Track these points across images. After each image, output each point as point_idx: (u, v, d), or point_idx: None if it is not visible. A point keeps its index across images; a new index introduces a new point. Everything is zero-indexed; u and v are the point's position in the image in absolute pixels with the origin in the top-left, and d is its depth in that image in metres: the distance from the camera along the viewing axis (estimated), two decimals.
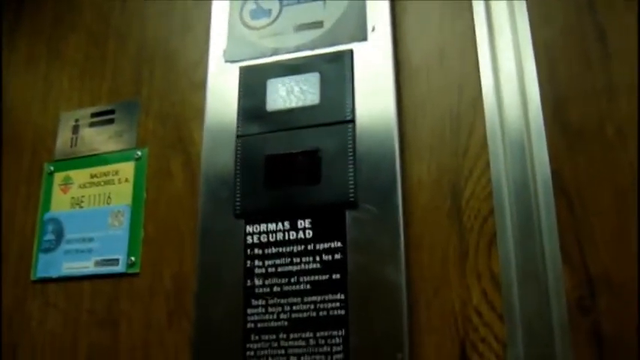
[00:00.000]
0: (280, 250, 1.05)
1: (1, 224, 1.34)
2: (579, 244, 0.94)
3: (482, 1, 1.11)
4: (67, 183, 1.30)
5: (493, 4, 1.10)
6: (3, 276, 1.29)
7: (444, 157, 1.05)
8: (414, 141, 1.08)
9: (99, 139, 1.31)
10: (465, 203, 1.02)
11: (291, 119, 1.11)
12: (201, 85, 1.22)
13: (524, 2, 1.08)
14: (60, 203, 1.29)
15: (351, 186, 1.03)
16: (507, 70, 1.06)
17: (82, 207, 1.27)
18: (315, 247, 1.03)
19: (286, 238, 1.05)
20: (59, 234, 1.26)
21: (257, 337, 1.02)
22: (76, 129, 1.33)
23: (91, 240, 1.23)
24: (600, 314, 0.91)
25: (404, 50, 1.14)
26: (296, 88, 1.12)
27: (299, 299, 1.01)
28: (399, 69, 1.12)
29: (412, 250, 1.02)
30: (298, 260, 1.03)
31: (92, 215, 1.25)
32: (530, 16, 1.07)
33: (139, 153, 1.26)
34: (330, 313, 0.99)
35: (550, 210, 0.96)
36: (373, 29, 1.12)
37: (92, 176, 1.28)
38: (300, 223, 1.05)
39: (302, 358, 0.99)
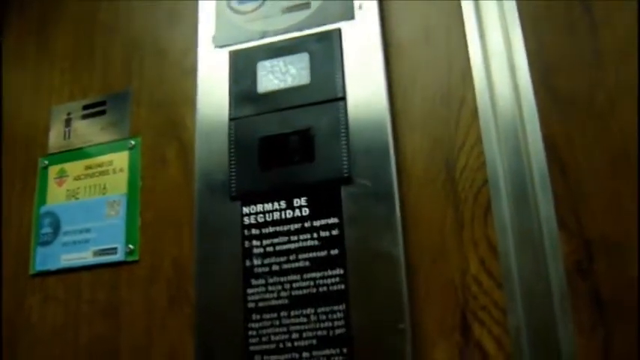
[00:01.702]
0: (277, 229, 1.05)
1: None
2: (574, 208, 0.95)
3: None
4: (61, 176, 1.30)
5: None
6: (2, 272, 1.29)
7: (436, 130, 1.06)
8: (406, 115, 1.09)
9: (92, 130, 1.31)
10: (459, 174, 1.03)
11: (282, 100, 1.11)
12: (191, 72, 1.23)
13: None
14: (56, 196, 1.29)
15: (345, 162, 1.04)
16: (495, 41, 1.06)
17: (77, 199, 1.27)
18: (312, 224, 1.04)
19: (283, 217, 1.05)
20: (56, 227, 1.26)
21: (258, 317, 1.02)
22: (68, 122, 1.34)
23: (88, 231, 1.23)
24: (598, 277, 0.91)
25: (392, 27, 1.14)
26: (286, 69, 1.12)
27: (298, 276, 1.02)
28: (388, 45, 1.13)
29: (409, 222, 1.02)
30: (296, 238, 1.04)
31: (88, 206, 1.25)
32: None
33: (133, 142, 1.26)
34: (330, 288, 1.00)
35: (544, 177, 0.97)
36: (360, 7, 1.13)
37: (87, 168, 1.28)
38: (296, 202, 1.05)
39: (304, 334, 1.00)
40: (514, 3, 1.07)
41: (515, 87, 1.03)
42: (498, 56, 1.05)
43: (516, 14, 1.06)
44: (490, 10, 1.08)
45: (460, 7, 1.11)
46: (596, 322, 0.90)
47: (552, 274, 0.92)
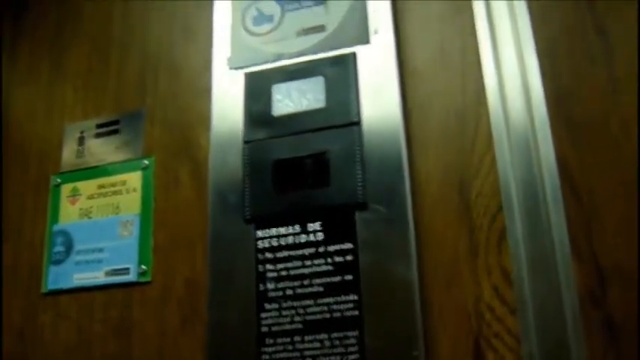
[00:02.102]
0: (292, 253, 1.05)
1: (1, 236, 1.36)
2: (588, 236, 0.95)
3: (482, 0, 1.11)
4: (74, 194, 1.30)
5: (493, 1, 1.11)
6: (14, 289, 1.30)
7: (451, 155, 1.06)
8: (421, 140, 1.09)
9: (105, 149, 1.31)
10: (473, 200, 1.03)
11: (297, 123, 1.11)
12: (205, 93, 1.23)
13: (525, 0, 1.09)
14: (68, 215, 1.30)
15: (360, 187, 1.04)
16: (510, 66, 1.06)
17: (90, 218, 1.27)
18: (326, 249, 1.04)
19: (297, 241, 1.06)
20: (69, 245, 1.27)
21: (272, 341, 1.02)
22: (81, 140, 1.34)
23: (101, 250, 1.24)
24: (611, 305, 0.91)
25: (407, 51, 1.15)
26: (301, 93, 1.12)
27: (312, 301, 1.02)
28: (403, 69, 1.13)
29: (423, 248, 1.02)
30: (310, 263, 1.04)
31: (101, 226, 1.26)
32: (530, 13, 1.08)
33: (146, 162, 1.26)
34: (344, 314, 1.00)
35: (558, 204, 0.97)
36: (376, 31, 1.13)
37: (100, 187, 1.29)
38: (311, 226, 1.05)
39: (317, 359, 1.00)
40: (529, 26, 1.07)
41: (530, 111, 1.03)
42: (513, 80, 1.05)
43: (531, 37, 1.07)
44: (505, 34, 1.08)
45: (475, 30, 1.11)
46: (608, 349, 0.90)
47: (566, 302, 0.92)
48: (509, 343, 0.95)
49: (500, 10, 1.10)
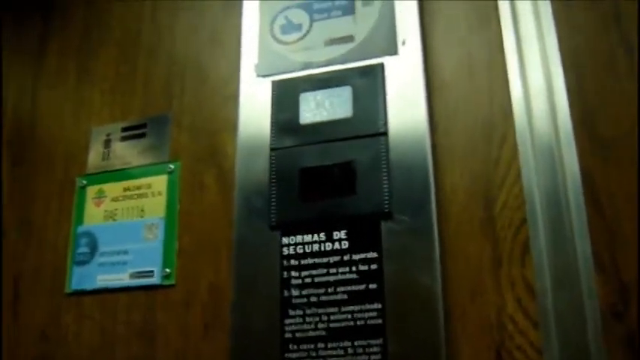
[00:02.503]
0: (317, 260, 1.06)
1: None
2: (611, 251, 0.95)
3: (509, 13, 1.12)
4: (100, 196, 1.32)
5: (520, 15, 1.11)
6: (38, 290, 1.31)
7: (477, 167, 1.07)
8: (447, 152, 1.09)
9: (131, 152, 1.33)
10: (497, 212, 1.03)
11: (324, 132, 1.12)
12: (232, 99, 1.24)
13: (551, 13, 1.09)
14: (93, 216, 1.31)
15: (386, 197, 1.05)
16: (536, 79, 1.07)
17: (115, 220, 1.29)
18: (351, 257, 1.05)
19: (322, 249, 1.06)
20: (93, 247, 1.28)
21: (295, 347, 1.03)
22: (107, 143, 1.35)
23: (125, 252, 1.25)
24: (633, 320, 0.92)
25: (434, 62, 1.16)
26: (328, 102, 1.13)
27: (336, 309, 1.03)
28: (430, 81, 1.14)
29: (447, 259, 1.03)
30: (335, 271, 1.05)
31: (126, 228, 1.27)
32: (557, 27, 1.09)
33: (172, 166, 1.28)
34: (368, 322, 1.01)
35: (582, 218, 0.98)
36: (403, 43, 1.14)
37: (125, 189, 1.30)
38: (336, 234, 1.06)
39: None
40: (555, 40, 1.08)
41: (555, 125, 1.03)
42: (539, 94, 1.06)
43: (557, 52, 1.07)
44: (532, 47, 1.09)
45: (502, 43, 1.12)
46: None
47: (588, 316, 0.93)
48: (531, 355, 0.95)
49: (527, 24, 1.11)
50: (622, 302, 0.93)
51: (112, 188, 1.31)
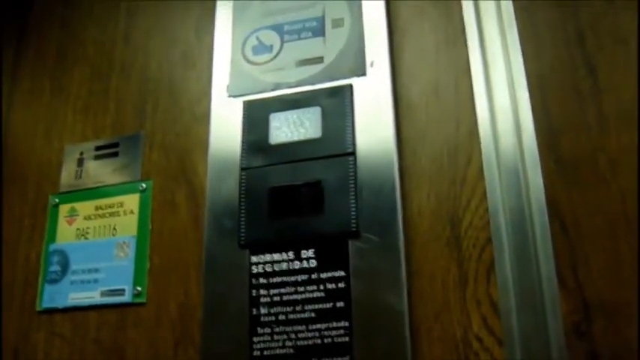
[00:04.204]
0: (285, 279, 1.07)
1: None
2: (575, 270, 0.97)
3: (476, 35, 1.14)
4: (72, 215, 1.32)
5: (487, 37, 1.13)
6: (9, 307, 1.31)
7: (443, 187, 1.09)
8: (414, 172, 1.11)
9: (104, 171, 1.33)
10: (463, 232, 1.05)
11: (293, 152, 1.14)
12: (204, 119, 1.26)
13: (517, 35, 1.11)
14: (65, 235, 1.31)
15: (353, 216, 1.06)
16: (502, 101, 1.09)
17: (87, 238, 1.29)
18: (319, 276, 1.06)
19: (291, 267, 1.08)
20: (65, 265, 1.28)
21: None
22: (80, 162, 1.36)
23: (96, 271, 1.25)
24: (596, 338, 0.93)
25: (402, 83, 1.17)
26: (298, 122, 1.15)
27: (304, 327, 1.04)
28: (398, 102, 1.16)
29: (413, 277, 1.04)
30: (303, 289, 1.06)
31: (98, 246, 1.27)
32: (522, 50, 1.10)
33: (144, 185, 1.28)
34: (335, 340, 1.02)
35: (546, 237, 0.99)
36: (372, 64, 1.16)
37: (97, 208, 1.30)
38: (304, 253, 1.07)
39: None
40: (521, 62, 1.10)
41: (521, 146, 1.05)
42: (505, 115, 1.08)
43: (523, 73, 1.09)
44: (498, 69, 1.11)
45: (469, 64, 1.14)
46: None
47: (552, 334, 0.94)
48: None
49: (494, 45, 1.13)
50: (585, 321, 0.94)
51: (84, 207, 1.32)
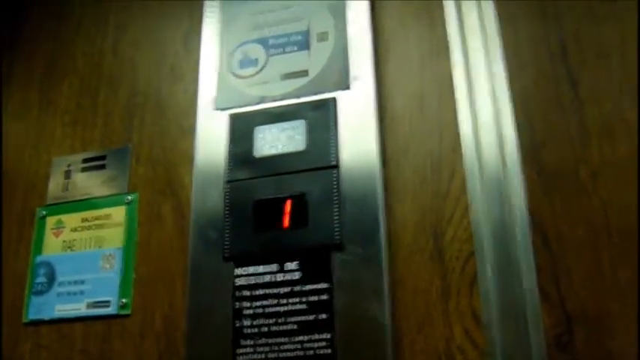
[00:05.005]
0: (268, 291, 1.07)
1: None
2: (557, 282, 0.98)
3: (459, 48, 1.15)
4: (59, 227, 1.32)
5: (470, 50, 1.14)
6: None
7: (426, 200, 1.09)
8: (397, 185, 1.12)
9: (91, 183, 1.34)
10: (446, 245, 1.05)
11: (278, 165, 1.14)
12: (190, 132, 1.26)
13: (500, 50, 1.12)
14: (52, 247, 1.32)
15: (337, 229, 1.07)
16: (485, 114, 1.10)
17: (73, 250, 1.29)
18: (302, 288, 1.06)
19: (274, 279, 1.08)
20: (51, 277, 1.28)
21: None
22: (68, 174, 1.36)
23: (82, 282, 1.25)
24: (578, 350, 0.94)
25: (386, 97, 1.18)
26: (283, 135, 1.15)
27: (287, 339, 1.04)
28: (382, 115, 1.16)
29: (397, 290, 1.05)
30: (286, 301, 1.06)
31: (84, 258, 1.28)
32: (506, 63, 1.11)
33: (130, 197, 1.29)
34: (317, 352, 1.02)
35: (528, 250, 1.00)
36: (356, 78, 1.16)
37: (84, 220, 1.31)
38: (288, 265, 1.08)
39: None
40: (504, 75, 1.11)
41: (503, 159, 1.06)
42: (488, 128, 1.08)
43: (506, 87, 1.10)
44: (481, 82, 1.12)
45: (452, 77, 1.15)
46: None
47: (534, 346, 0.95)
48: None
49: (477, 59, 1.13)
50: (567, 333, 0.95)
51: (71, 219, 1.32)
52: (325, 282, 1.05)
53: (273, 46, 1.25)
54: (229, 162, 1.17)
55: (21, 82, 1.54)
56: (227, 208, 1.14)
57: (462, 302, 1.02)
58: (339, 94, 1.17)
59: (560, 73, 1.09)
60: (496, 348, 0.97)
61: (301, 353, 1.03)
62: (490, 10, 1.15)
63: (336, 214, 1.08)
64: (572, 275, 0.98)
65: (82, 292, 1.25)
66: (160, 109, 1.35)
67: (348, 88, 1.16)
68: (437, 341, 1.01)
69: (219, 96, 1.24)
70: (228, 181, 1.16)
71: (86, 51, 1.50)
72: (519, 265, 0.99)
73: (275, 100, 1.20)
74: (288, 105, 1.19)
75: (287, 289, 1.06)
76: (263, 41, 1.26)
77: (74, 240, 1.30)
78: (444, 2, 1.20)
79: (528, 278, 0.98)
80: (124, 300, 1.21)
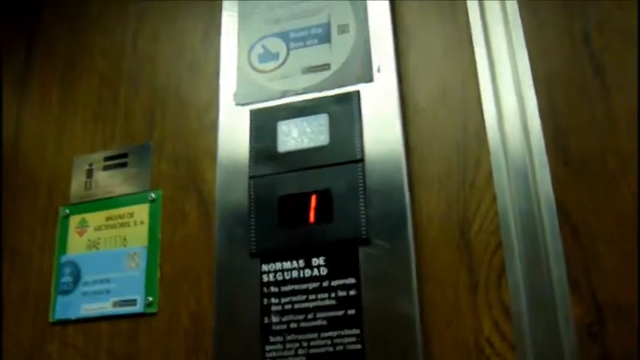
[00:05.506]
0: (296, 287, 1.07)
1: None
2: (586, 272, 0.97)
3: (482, 38, 1.14)
4: (82, 226, 1.32)
5: (493, 39, 1.13)
6: (22, 318, 1.32)
7: (452, 192, 1.08)
8: (423, 177, 1.11)
9: (113, 182, 1.34)
10: (473, 236, 1.05)
11: (301, 160, 1.14)
12: (212, 128, 1.26)
13: (523, 36, 1.11)
14: (76, 246, 1.32)
15: (363, 223, 1.06)
16: (509, 104, 1.08)
17: (98, 249, 1.29)
18: (329, 283, 1.06)
19: (301, 275, 1.08)
20: (76, 276, 1.29)
21: None
22: (90, 173, 1.37)
23: (108, 281, 1.26)
24: (609, 341, 0.93)
25: (409, 88, 1.17)
26: (306, 130, 1.15)
27: (316, 335, 1.04)
28: (405, 107, 1.15)
29: (424, 283, 1.04)
30: (314, 297, 1.06)
31: (109, 257, 1.28)
32: (529, 51, 1.10)
33: (153, 195, 1.29)
34: (347, 347, 1.02)
35: (556, 240, 0.99)
36: (379, 70, 1.16)
37: (107, 219, 1.31)
38: (315, 261, 1.07)
39: None
40: (527, 63, 1.09)
41: (529, 149, 1.05)
42: (512, 117, 1.07)
43: (529, 74, 1.09)
44: (504, 71, 1.10)
45: (475, 65, 1.13)
46: None
47: (564, 337, 0.94)
48: None
49: (500, 48, 1.12)
50: (597, 323, 0.94)
51: (95, 218, 1.32)
52: (352, 277, 1.05)
53: (294, 39, 1.24)
54: (252, 157, 1.17)
55: (40, 78, 1.54)
56: (252, 204, 1.14)
57: (490, 294, 1.01)
58: (362, 87, 1.16)
59: (584, 60, 1.08)
60: (526, 339, 0.96)
61: (331, 349, 1.02)
62: None
63: (362, 208, 1.07)
64: (601, 265, 0.96)
65: (107, 291, 1.25)
66: (181, 104, 1.35)
67: (371, 80, 1.16)
68: (466, 334, 1.00)
69: (240, 91, 1.24)
70: (252, 177, 1.16)
71: (105, 47, 1.49)
72: (548, 255, 0.99)
73: (297, 95, 1.20)
74: (311, 99, 1.18)
75: (315, 285, 1.06)
76: (283, 35, 1.25)
77: (98, 239, 1.30)
78: None
79: (557, 268, 0.98)
80: (150, 298, 1.21)
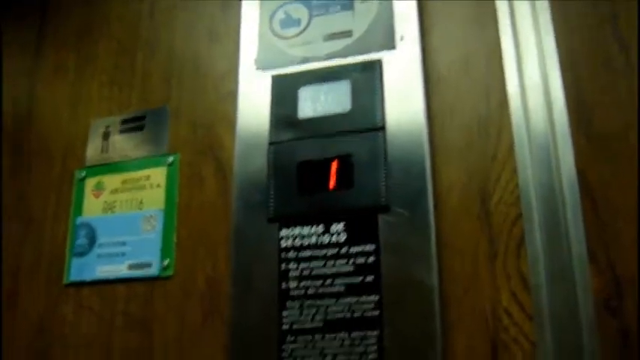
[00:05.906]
0: (314, 253, 1.07)
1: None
2: (605, 245, 0.97)
3: (507, 11, 1.13)
4: (99, 188, 1.32)
5: (518, 13, 1.12)
6: (35, 280, 1.32)
7: (473, 162, 1.08)
8: (444, 146, 1.10)
9: (129, 145, 1.33)
10: (493, 207, 1.04)
11: (322, 126, 1.13)
12: (231, 93, 1.25)
13: (549, 12, 1.10)
14: (92, 208, 1.32)
15: (383, 190, 1.06)
16: (532, 76, 1.08)
17: (114, 212, 1.29)
18: (348, 250, 1.05)
19: (320, 241, 1.07)
20: (92, 238, 1.29)
21: (293, 338, 1.04)
22: (106, 135, 1.36)
23: (124, 244, 1.26)
24: (627, 315, 0.93)
25: (432, 58, 1.16)
26: (327, 96, 1.14)
27: (334, 301, 1.04)
28: (428, 76, 1.15)
29: (443, 252, 1.04)
30: (332, 263, 1.06)
31: (124, 220, 1.28)
32: (554, 26, 1.09)
33: (171, 159, 1.28)
34: (365, 314, 1.02)
35: (576, 213, 0.99)
36: (402, 38, 1.15)
37: (124, 182, 1.31)
38: (334, 227, 1.07)
39: (337, 357, 1.01)
40: (552, 37, 1.09)
41: (551, 121, 1.04)
42: (535, 90, 1.07)
43: (554, 48, 1.08)
44: (529, 44, 1.10)
45: (499, 39, 1.13)
46: (623, 358, 0.91)
47: (582, 309, 0.94)
48: (526, 348, 0.96)
49: (525, 21, 1.12)
50: (616, 296, 0.94)
51: (111, 180, 1.32)
52: (372, 244, 1.05)
53: (317, 6, 1.23)
54: (273, 124, 1.17)
55: (55, 45, 1.53)
56: (270, 170, 1.13)
57: (508, 265, 1.01)
58: (384, 55, 1.15)
59: (609, 37, 1.07)
60: (544, 311, 0.96)
61: (348, 315, 1.03)
62: None
63: (383, 175, 1.07)
64: (621, 239, 0.96)
65: (123, 254, 1.25)
66: (199, 70, 1.34)
67: (393, 48, 1.15)
68: (484, 303, 1.01)
69: (261, 57, 1.23)
70: (272, 143, 1.15)
71: (122, 14, 1.48)
72: (568, 228, 0.98)
73: (319, 61, 1.19)
74: (333, 66, 1.17)
75: (333, 251, 1.06)
76: (305, 1, 1.24)
77: (114, 201, 1.30)
78: None
79: (577, 242, 0.97)
80: (165, 262, 1.21)
